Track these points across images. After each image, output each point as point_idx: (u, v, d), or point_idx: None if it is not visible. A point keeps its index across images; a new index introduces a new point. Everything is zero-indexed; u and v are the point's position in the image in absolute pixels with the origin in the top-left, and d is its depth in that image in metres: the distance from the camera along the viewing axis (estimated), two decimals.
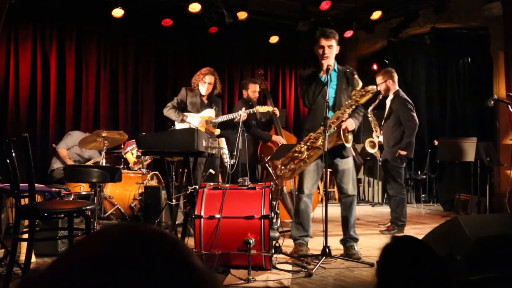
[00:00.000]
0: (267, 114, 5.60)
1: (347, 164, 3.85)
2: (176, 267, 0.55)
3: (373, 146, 5.44)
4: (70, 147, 6.04)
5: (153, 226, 0.61)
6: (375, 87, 3.83)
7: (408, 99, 5.21)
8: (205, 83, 4.96)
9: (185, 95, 5.01)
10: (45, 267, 0.55)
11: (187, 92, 5.03)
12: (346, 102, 3.78)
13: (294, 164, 3.82)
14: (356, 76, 3.77)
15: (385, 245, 1.40)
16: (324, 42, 3.81)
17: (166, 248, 0.57)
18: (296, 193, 4.09)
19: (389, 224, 5.17)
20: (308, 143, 3.75)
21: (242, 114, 4.86)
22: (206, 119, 4.91)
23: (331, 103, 3.81)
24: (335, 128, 3.72)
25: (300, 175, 3.90)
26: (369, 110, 5.39)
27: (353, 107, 3.76)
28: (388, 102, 5.27)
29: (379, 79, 5.24)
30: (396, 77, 5.26)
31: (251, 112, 5.01)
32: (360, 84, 3.75)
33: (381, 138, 5.39)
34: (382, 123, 5.31)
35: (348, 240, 3.88)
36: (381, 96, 5.32)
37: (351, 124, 3.75)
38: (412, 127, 5.05)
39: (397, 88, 5.23)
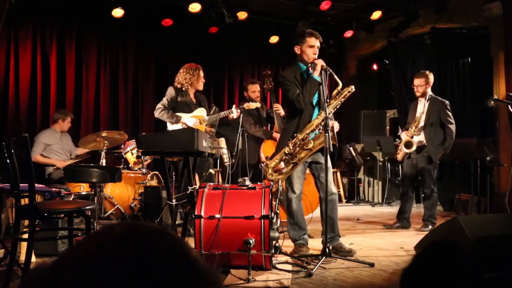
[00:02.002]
0: (270, 117, 5.59)
1: (329, 162, 3.77)
2: (177, 266, 0.55)
3: (409, 146, 5.28)
4: (45, 148, 5.58)
5: (154, 224, 0.61)
6: (353, 87, 3.85)
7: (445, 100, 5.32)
8: (200, 78, 4.76)
9: (174, 95, 4.73)
10: (45, 265, 0.55)
11: (176, 92, 4.76)
12: (331, 102, 3.80)
13: (286, 166, 3.81)
14: (335, 76, 3.76)
15: (419, 252, 1.25)
16: (314, 42, 3.88)
17: (167, 247, 0.57)
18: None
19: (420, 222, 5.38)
20: (297, 145, 3.76)
21: (234, 111, 4.77)
22: (200, 118, 4.73)
23: (314, 102, 3.88)
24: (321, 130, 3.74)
25: (289, 176, 3.89)
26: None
27: (338, 107, 3.87)
28: (423, 104, 5.29)
29: (421, 81, 5.28)
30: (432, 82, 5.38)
31: (242, 108, 4.87)
32: (340, 84, 3.79)
33: (417, 138, 5.25)
34: (422, 124, 5.23)
35: (336, 238, 3.89)
36: (418, 95, 5.33)
37: (337, 125, 3.96)
38: (454, 130, 5.19)
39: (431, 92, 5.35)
